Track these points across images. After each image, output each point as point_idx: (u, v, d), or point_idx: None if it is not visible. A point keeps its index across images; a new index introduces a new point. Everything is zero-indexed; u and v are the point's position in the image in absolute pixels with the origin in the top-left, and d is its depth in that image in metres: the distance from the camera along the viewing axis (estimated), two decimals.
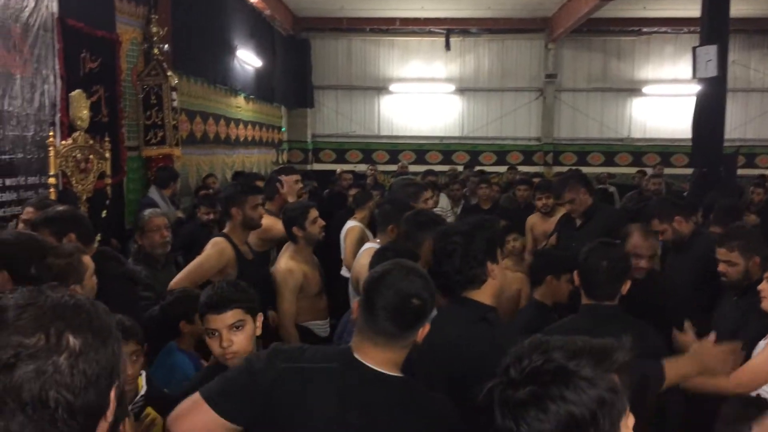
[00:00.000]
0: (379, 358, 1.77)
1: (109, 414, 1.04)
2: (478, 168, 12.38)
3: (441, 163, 13.69)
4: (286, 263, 3.92)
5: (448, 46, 13.59)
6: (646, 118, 13.99)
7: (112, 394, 1.03)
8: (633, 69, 13.91)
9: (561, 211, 5.49)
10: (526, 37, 13.80)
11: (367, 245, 3.91)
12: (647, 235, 3.42)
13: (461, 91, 14.01)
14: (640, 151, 14.01)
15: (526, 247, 5.27)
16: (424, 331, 1.82)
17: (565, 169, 11.91)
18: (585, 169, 10.03)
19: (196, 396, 1.74)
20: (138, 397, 2.29)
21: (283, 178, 4.96)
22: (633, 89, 13.90)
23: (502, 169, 12.65)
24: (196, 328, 2.99)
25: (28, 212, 3.74)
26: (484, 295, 2.26)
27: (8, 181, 4.63)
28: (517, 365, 1.15)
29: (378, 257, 2.78)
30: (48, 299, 1.00)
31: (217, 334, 2.26)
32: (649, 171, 11.14)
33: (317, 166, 13.82)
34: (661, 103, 13.85)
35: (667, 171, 12.30)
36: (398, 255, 2.82)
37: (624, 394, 1.14)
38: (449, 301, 2.40)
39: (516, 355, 1.18)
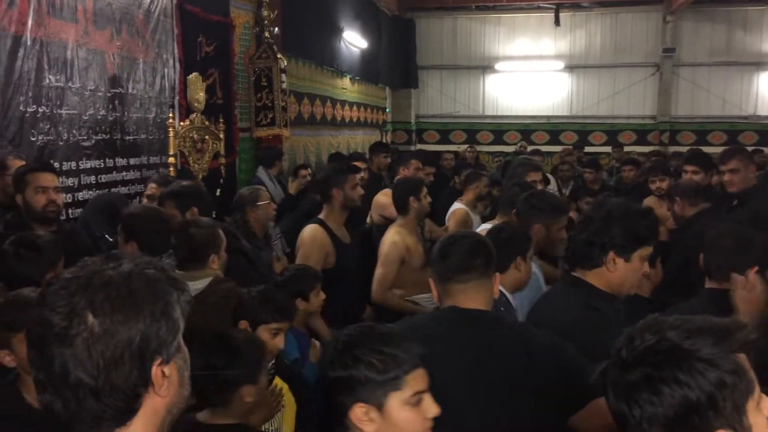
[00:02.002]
0: (465, 302, 1.91)
1: (162, 390, 1.00)
2: (585, 148, 12.00)
3: (548, 143, 13.31)
4: (392, 236, 3.96)
5: (557, 22, 13.09)
6: None
7: (156, 371, 0.98)
8: (761, 41, 12.85)
9: None
10: (642, 10, 13.08)
11: (485, 226, 3.83)
12: None
13: (571, 68, 13.50)
14: None
15: None
16: (496, 279, 2.00)
17: (683, 149, 11.27)
18: (706, 149, 9.41)
19: None
20: (269, 365, 2.39)
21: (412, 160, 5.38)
22: (761, 63, 12.85)
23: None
24: (310, 306, 3.07)
25: (152, 188, 3.98)
26: (594, 278, 2.16)
27: (132, 161, 4.93)
28: (629, 345, 1.11)
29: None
30: (86, 274, 0.98)
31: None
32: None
33: (421, 147, 13.80)
34: None
35: None
36: (511, 235, 2.77)
37: (749, 374, 1.06)
38: (565, 277, 2.33)
39: (628, 336, 1.13)
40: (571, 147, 11.52)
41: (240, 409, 2.05)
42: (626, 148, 11.85)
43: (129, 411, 0.98)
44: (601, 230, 2.11)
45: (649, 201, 5.52)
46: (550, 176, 7.43)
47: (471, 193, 5.39)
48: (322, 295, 3.16)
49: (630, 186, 6.91)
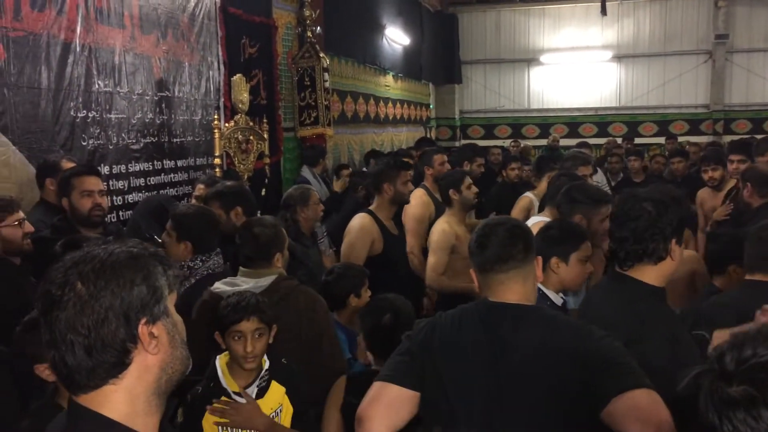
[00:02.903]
0: (503, 294, 1.85)
1: (151, 348, 1.15)
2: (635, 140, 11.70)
3: (596, 135, 13.03)
4: (441, 225, 4.17)
5: (604, 11, 12.75)
6: None
7: (143, 329, 1.14)
8: None
9: (731, 184, 5.07)
10: None
11: (535, 219, 3.71)
12: None
13: (619, 58, 13.19)
14: None
15: (698, 225, 4.92)
16: (539, 261, 1.93)
17: (737, 138, 10.86)
18: (763, 138, 9.07)
19: (378, 384, 1.82)
20: (263, 371, 2.34)
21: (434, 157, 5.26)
22: None
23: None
24: (361, 301, 3.06)
25: (200, 189, 4.04)
26: (654, 273, 2.04)
27: (180, 162, 5.01)
28: (736, 353, 0.98)
29: (538, 234, 2.62)
30: (80, 254, 1.16)
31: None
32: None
33: (465, 143, 13.67)
34: None
35: None
36: (557, 233, 2.69)
37: None
38: (609, 277, 2.24)
39: (737, 342, 1.00)
40: (615, 139, 11.29)
41: None
42: (679, 139, 11.52)
43: (120, 364, 1.13)
44: (660, 222, 2.01)
45: (703, 193, 5.34)
46: (597, 168, 7.28)
47: (543, 183, 5.22)
48: (369, 291, 3.14)
49: (680, 178, 6.72)
